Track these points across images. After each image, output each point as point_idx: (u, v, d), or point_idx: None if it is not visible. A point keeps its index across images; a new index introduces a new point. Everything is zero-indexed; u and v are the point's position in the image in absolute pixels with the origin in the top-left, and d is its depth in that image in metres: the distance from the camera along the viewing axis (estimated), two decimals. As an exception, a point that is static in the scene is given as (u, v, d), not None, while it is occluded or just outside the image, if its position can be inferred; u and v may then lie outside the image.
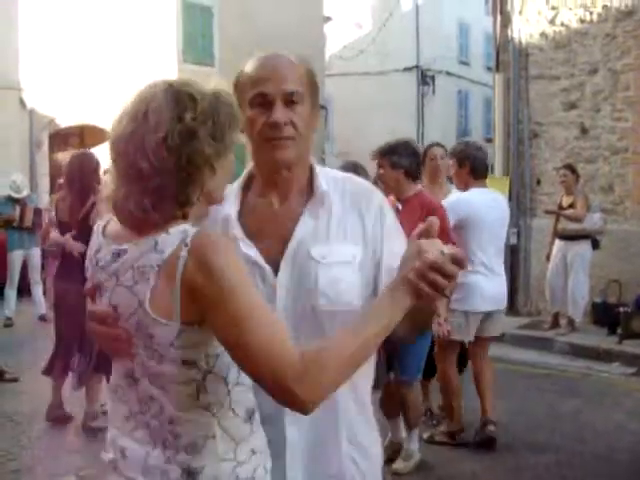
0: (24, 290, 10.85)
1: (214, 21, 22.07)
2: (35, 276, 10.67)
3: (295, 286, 1.87)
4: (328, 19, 27.14)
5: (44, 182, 16.85)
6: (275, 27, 22.67)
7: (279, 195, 1.96)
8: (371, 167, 5.37)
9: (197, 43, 21.73)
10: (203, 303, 1.53)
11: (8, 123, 16.88)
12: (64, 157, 20.50)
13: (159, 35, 19.40)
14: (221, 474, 1.64)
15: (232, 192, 1.97)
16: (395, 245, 1.90)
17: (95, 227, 1.80)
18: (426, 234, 1.63)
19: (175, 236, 1.57)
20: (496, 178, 10.59)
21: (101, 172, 7.02)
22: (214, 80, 1.75)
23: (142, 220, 1.60)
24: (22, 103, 17.38)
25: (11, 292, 10.52)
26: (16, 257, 10.45)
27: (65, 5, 17.36)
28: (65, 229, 6.04)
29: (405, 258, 1.63)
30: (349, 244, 1.91)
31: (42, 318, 10.30)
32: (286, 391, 1.50)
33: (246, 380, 1.65)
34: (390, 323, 1.59)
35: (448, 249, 1.58)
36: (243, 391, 1.69)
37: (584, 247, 9.18)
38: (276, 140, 1.87)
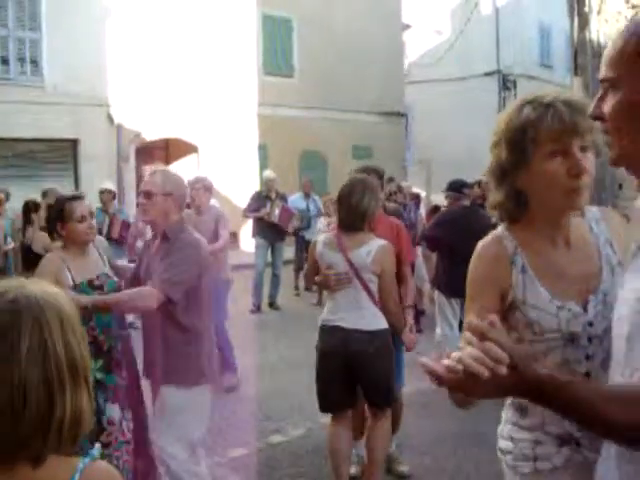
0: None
1: (294, 33, 22.38)
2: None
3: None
4: (407, 27, 27.16)
5: (131, 195, 17.38)
6: (354, 37, 22.84)
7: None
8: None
9: (277, 55, 22.08)
10: None
11: (97, 138, 17.52)
12: (150, 170, 21.02)
13: (240, 48, 19.79)
14: None
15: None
16: None
17: None
18: None
19: None
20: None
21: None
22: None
23: None
24: (110, 119, 17.98)
25: None
26: None
27: (150, 23, 17.91)
28: None
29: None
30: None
31: (130, 325, 10.55)
32: None
33: None
34: None
35: None
36: None
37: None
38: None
